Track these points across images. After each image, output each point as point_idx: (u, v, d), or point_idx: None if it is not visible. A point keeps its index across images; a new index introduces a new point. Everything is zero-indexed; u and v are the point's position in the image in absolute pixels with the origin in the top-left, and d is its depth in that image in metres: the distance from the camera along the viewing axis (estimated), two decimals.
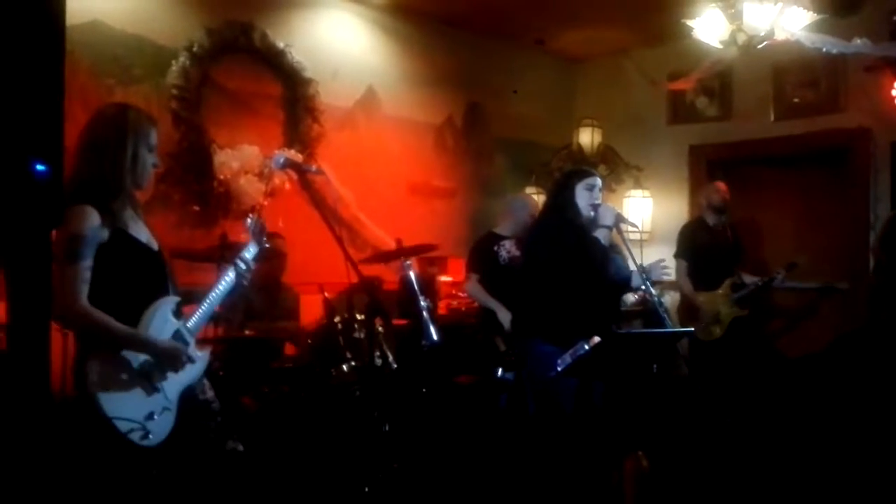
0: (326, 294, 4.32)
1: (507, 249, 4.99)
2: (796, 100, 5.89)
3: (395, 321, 4.51)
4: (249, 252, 2.79)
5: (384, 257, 4.69)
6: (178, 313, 2.60)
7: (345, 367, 4.09)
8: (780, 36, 4.21)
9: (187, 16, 4.85)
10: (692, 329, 5.05)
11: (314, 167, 4.04)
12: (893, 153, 5.39)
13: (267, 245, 2.87)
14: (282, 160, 2.81)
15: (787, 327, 6.20)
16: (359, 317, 4.19)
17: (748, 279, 5.47)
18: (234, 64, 5.04)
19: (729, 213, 5.59)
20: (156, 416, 2.45)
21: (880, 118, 5.42)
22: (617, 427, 3.74)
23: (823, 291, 5.89)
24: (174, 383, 2.54)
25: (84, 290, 2.39)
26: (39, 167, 2.18)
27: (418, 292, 4.27)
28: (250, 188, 5.00)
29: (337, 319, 4.20)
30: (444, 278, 5.46)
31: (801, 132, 5.80)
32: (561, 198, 3.66)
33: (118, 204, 2.51)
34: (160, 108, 4.69)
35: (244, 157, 4.98)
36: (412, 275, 4.35)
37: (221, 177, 4.89)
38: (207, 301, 2.68)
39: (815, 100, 5.80)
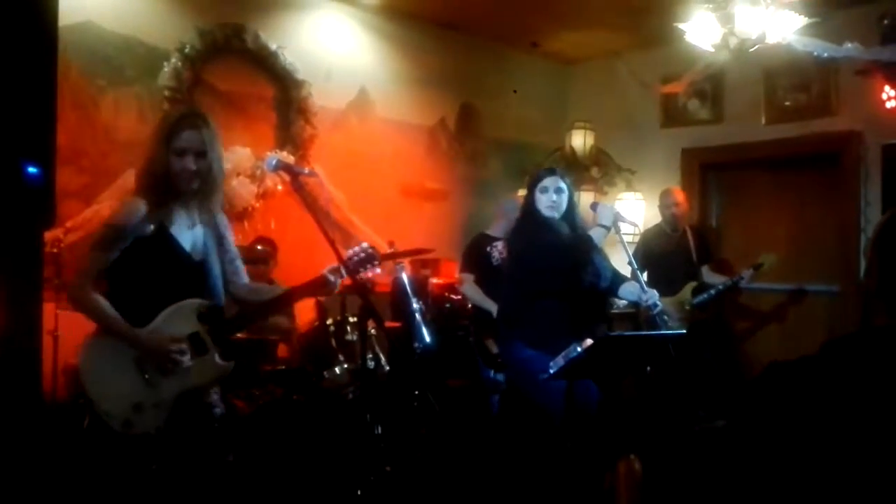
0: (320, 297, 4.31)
1: (500, 251, 5.00)
2: (788, 103, 5.91)
3: (388, 323, 4.51)
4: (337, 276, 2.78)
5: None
6: (209, 317, 2.59)
7: (337, 370, 4.09)
8: (772, 40, 4.23)
9: (179, 17, 4.83)
10: (684, 331, 5.07)
11: (307, 169, 4.04)
12: (884, 157, 5.41)
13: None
14: (274, 162, 2.80)
15: (754, 329, 6.23)
16: (351, 319, 4.18)
17: (714, 279, 5.48)
18: (226, 65, 5.03)
19: (701, 217, 5.59)
20: (144, 409, 2.46)
21: (871, 122, 5.44)
22: (610, 430, 3.74)
23: (796, 294, 5.92)
24: (173, 382, 2.53)
25: (94, 276, 2.48)
26: (31, 169, 2.17)
27: (411, 294, 4.27)
28: (242, 190, 4.99)
29: (329, 321, 4.20)
30: (436, 280, 5.46)
31: (793, 135, 5.82)
32: (528, 201, 3.69)
33: (175, 203, 2.56)
34: (152, 110, 4.68)
35: (236, 159, 4.97)
36: (405, 277, 4.35)
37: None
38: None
39: (806, 103, 5.82)
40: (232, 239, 2.80)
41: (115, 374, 2.46)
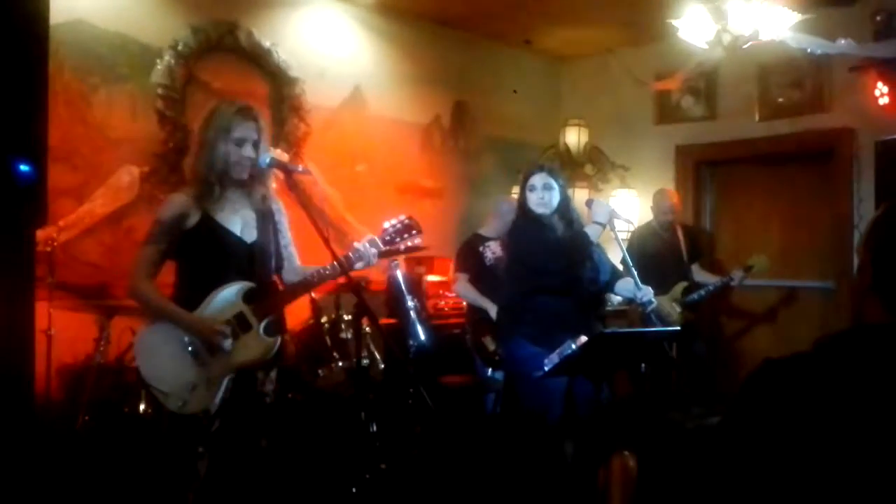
0: (313, 294, 4.31)
1: (493, 251, 5.02)
2: (781, 100, 5.92)
3: (383, 321, 4.50)
4: (372, 251, 2.86)
5: None
6: (252, 297, 2.72)
7: (332, 368, 4.08)
8: (766, 36, 4.23)
9: (172, 15, 4.81)
10: (679, 328, 5.07)
11: (301, 167, 4.03)
12: (877, 153, 5.42)
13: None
14: (268, 160, 2.81)
15: (748, 326, 6.24)
16: (346, 317, 4.18)
17: (704, 278, 5.47)
18: (219, 63, 5.01)
19: (695, 213, 5.55)
20: (198, 388, 2.63)
21: (864, 118, 5.45)
22: (604, 426, 3.75)
23: (790, 292, 5.92)
24: (221, 360, 2.68)
25: (149, 270, 2.68)
26: (23, 167, 2.16)
27: (405, 292, 4.27)
28: None
29: (324, 320, 4.19)
30: (431, 278, 5.46)
31: (786, 132, 5.83)
32: (520, 201, 3.71)
33: (221, 190, 2.71)
34: (145, 108, 4.66)
35: None
36: (399, 275, 4.35)
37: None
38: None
39: (799, 100, 5.83)
40: (287, 225, 2.96)
41: (169, 357, 2.64)
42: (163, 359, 2.65)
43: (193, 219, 2.69)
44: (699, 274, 5.54)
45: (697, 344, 5.42)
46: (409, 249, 3.70)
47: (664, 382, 5.33)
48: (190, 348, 2.66)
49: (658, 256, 5.41)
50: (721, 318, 6.30)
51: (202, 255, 2.72)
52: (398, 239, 2.91)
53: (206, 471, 2.64)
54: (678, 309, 5.30)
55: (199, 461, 2.64)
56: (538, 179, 3.61)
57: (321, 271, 2.83)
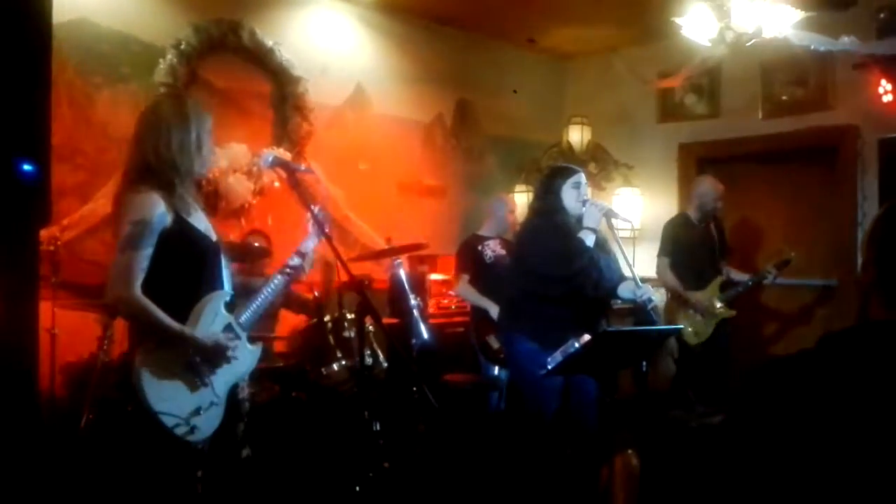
0: (316, 293, 4.31)
1: (492, 249, 5.05)
2: (785, 97, 5.91)
3: (386, 320, 4.50)
4: (309, 244, 2.84)
5: (374, 256, 4.68)
6: (231, 307, 2.61)
7: (335, 367, 4.08)
8: (769, 34, 4.23)
9: (175, 13, 4.82)
10: (681, 326, 5.05)
11: (303, 166, 4.03)
12: (881, 151, 5.41)
13: (327, 236, 2.86)
14: (270, 159, 2.80)
15: (748, 325, 6.18)
16: (349, 315, 4.18)
17: (737, 276, 5.39)
18: (222, 62, 5.01)
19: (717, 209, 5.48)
20: (202, 412, 2.45)
21: (868, 116, 5.44)
22: (607, 425, 3.75)
23: (823, 290, 5.86)
24: (224, 378, 2.54)
25: (140, 277, 2.39)
26: (27, 166, 2.17)
27: (408, 291, 4.27)
28: (239, 187, 4.97)
29: (327, 318, 4.19)
30: (434, 276, 5.47)
31: (790, 130, 5.82)
32: (548, 200, 3.62)
33: (183, 189, 2.51)
34: None
35: (233, 156, 4.95)
36: (402, 273, 4.35)
37: (210, 175, 4.86)
38: (261, 297, 2.73)
39: (803, 97, 5.82)
40: None
41: (172, 385, 2.43)
42: (167, 388, 2.41)
43: (168, 219, 2.45)
44: (727, 270, 5.42)
45: (722, 341, 5.32)
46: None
47: (682, 381, 5.28)
48: (192, 371, 2.46)
49: (694, 248, 5.29)
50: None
51: (180, 260, 2.48)
52: (321, 232, 2.86)
53: (202, 488, 2.52)
54: (718, 304, 5.21)
55: (197, 482, 2.51)
56: (582, 178, 3.59)
57: (278, 277, 2.78)
